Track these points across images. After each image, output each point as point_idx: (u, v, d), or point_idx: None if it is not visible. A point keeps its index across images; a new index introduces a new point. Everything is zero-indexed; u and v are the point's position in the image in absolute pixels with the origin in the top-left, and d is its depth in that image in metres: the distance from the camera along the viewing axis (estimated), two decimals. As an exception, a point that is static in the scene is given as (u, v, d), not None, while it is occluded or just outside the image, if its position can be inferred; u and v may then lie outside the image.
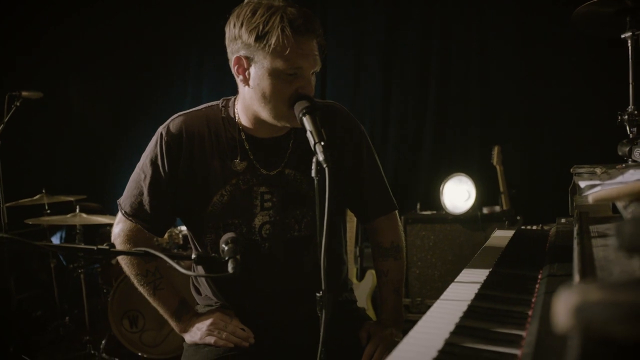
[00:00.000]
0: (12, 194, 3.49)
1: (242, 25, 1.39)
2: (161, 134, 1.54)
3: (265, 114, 1.46)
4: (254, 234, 1.54)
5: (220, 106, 1.58)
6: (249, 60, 1.41)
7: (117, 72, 4.99)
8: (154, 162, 1.54)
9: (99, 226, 3.58)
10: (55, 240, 4.34)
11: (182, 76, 5.10)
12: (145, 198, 1.55)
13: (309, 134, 1.30)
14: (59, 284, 3.66)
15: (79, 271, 3.33)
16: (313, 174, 1.26)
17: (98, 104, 5.07)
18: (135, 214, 1.57)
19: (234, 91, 1.57)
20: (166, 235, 3.50)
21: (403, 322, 1.68)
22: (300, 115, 1.35)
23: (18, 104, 3.37)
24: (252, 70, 1.41)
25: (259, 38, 1.36)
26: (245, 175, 1.53)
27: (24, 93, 3.37)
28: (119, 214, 1.61)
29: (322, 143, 1.26)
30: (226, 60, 1.49)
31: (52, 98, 3.80)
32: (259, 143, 1.54)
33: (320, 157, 1.23)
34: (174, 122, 1.56)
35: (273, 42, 1.34)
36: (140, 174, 1.56)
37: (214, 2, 4.80)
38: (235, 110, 1.55)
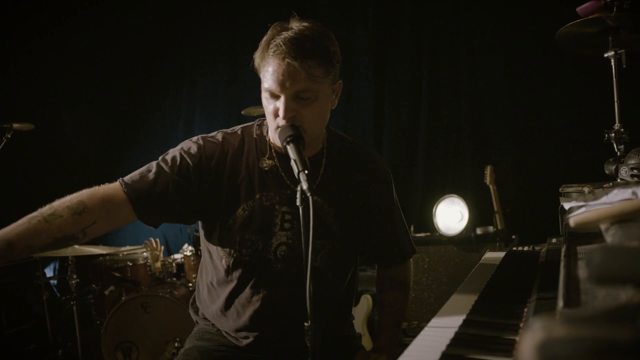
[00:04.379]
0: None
1: None
2: (201, 138, 1.56)
3: None
4: (269, 252, 1.52)
5: (255, 125, 1.62)
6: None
7: (109, 102, 5.01)
8: (177, 156, 1.51)
9: (91, 257, 3.55)
10: (49, 272, 4.31)
11: (174, 105, 5.12)
12: (152, 175, 1.48)
13: (292, 163, 1.30)
14: (52, 316, 3.62)
15: (72, 303, 3.29)
16: (298, 202, 1.25)
17: (89, 135, 5.07)
18: (129, 179, 1.47)
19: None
20: (159, 264, 3.48)
21: (397, 352, 1.66)
22: (284, 144, 1.36)
23: (9, 135, 3.37)
24: None
25: (256, 57, 1.44)
26: (269, 192, 1.52)
27: (15, 125, 3.38)
28: None
29: (306, 171, 1.25)
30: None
31: (43, 129, 3.81)
32: (287, 158, 1.48)
33: (305, 186, 1.22)
34: (214, 135, 1.58)
35: (259, 63, 1.42)
36: (158, 161, 1.52)
37: (205, 28, 4.89)
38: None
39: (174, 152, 1.53)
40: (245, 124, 1.64)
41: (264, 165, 1.53)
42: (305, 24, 1.42)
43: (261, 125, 1.61)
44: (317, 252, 1.54)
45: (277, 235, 1.52)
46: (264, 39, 1.42)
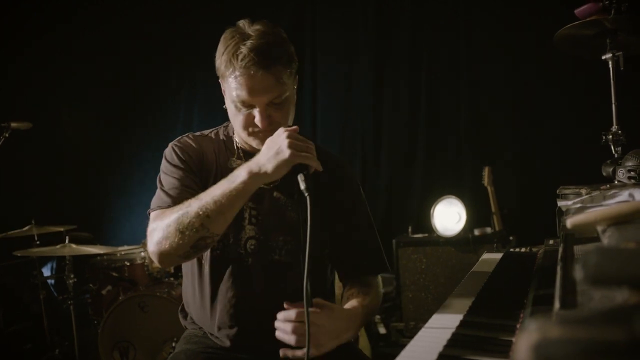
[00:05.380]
0: (1, 226, 3.46)
1: (218, 50, 1.46)
2: (173, 146, 1.59)
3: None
4: (239, 246, 1.54)
5: (222, 128, 1.66)
6: (223, 85, 1.50)
7: (107, 101, 5.00)
8: (175, 163, 1.54)
9: (89, 256, 3.54)
10: (46, 271, 4.30)
11: (172, 105, 5.11)
12: (178, 184, 1.49)
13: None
14: (49, 316, 3.62)
15: (69, 302, 3.29)
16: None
17: (88, 134, 5.07)
18: (175, 196, 1.47)
19: (224, 115, 1.61)
20: (157, 264, 3.47)
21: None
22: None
23: (7, 135, 3.37)
24: (225, 94, 1.50)
25: (219, 66, 1.44)
26: None
27: (13, 124, 3.38)
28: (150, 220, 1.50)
29: (305, 172, 1.27)
30: (217, 84, 1.53)
31: (41, 128, 3.80)
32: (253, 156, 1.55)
33: (302, 186, 1.24)
34: (183, 138, 1.62)
35: (223, 72, 1.42)
36: (166, 179, 1.53)
37: (205, 28, 4.88)
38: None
39: (168, 172, 1.54)
40: (213, 128, 1.68)
41: (234, 165, 1.56)
42: (260, 27, 1.43)
43: (227, 127, 1.65)
44: (281, 248, 1.56)
45: (246, 229, 1.55)
46: (226, 47, 1.41)
